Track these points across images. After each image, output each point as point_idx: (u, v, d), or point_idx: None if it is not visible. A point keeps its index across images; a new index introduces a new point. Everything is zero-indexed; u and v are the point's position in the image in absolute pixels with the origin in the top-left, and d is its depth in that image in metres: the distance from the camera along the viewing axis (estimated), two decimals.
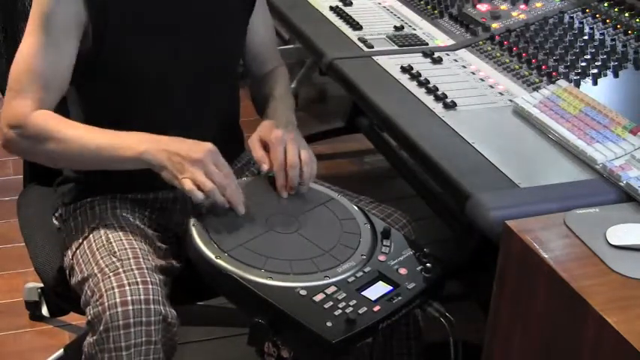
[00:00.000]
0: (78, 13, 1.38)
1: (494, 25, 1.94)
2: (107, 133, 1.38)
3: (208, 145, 1.35)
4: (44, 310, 2.12)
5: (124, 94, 1.46)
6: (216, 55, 1.52)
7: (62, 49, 1.40)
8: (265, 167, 1.43)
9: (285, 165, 1.42)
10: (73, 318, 2.05)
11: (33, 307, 2.13)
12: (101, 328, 1.26)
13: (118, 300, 1.26)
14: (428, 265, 1.32)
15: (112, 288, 1.27)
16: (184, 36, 1.47)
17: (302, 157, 1.44)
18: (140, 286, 1.27)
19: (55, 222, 1.55)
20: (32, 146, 1.40)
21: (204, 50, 1.50)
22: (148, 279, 1.29)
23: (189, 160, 1.32)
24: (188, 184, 1.31)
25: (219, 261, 1.28)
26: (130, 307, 1.25)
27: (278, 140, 1.44)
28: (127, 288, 1.27)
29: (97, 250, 1.37)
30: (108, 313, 1.25)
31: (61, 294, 1.49)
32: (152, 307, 1.27)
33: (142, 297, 1.26)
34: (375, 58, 1.81)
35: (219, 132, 1.58)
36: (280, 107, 1.59)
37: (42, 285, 1.74)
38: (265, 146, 1.45)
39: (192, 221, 1.35)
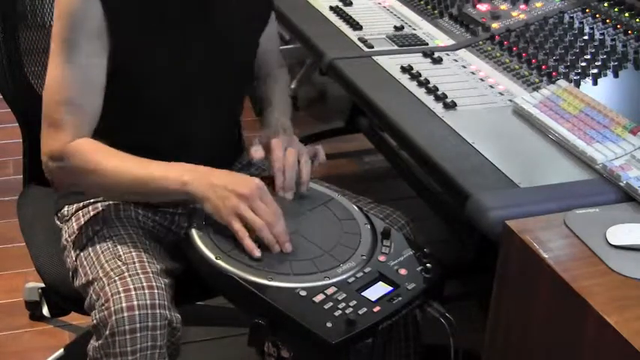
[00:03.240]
0: (101, 34, 1.36)
1: (494, 25, 1.94)
2: (147, 164, 1.35)
3: (255, 181, 1.33)
4: (44, 310, 2.12)
5: (133, 96, 1.45)
6: (230, 62, 1.51)
7: (91, 69, 1.37)
8: (257, 155, 1.44)
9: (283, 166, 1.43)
10: (73, 318, 2.05)
11: (33, 307, 2.13)
12: (107, 332, 1.26)
13: (124, 305, 1.26)
14: (428, 265, 1.32)
15: (118, 292, 1.27)
16: (200, 42, 1.46)
17: (300, 159, 1.45)
18: (146, 291, 1.27)
19: (57, 222, 1.55)
20: (73, 178, 1.40)
21: (219, 56, 1.49)
22: (154, 283, 1.29)
23: (235, 194, 1.30)
24: (236, 224, 1.29)
25: (219, 261, 1.28)
26: (137, 312, 1.25)
27: (278, 144, 1.45)
28: (133, 292, 1.27)
29: (102, 253, 1.37)
30: (114, 317, 1.25)
31: (62, 294, 1.49)
32: (158, 311, 1.27)
33: (148, 302, 1.26)
34: (375, 58, 1.81)
35: (223, 133, 1.58)
36: (275, 114, 1.59)
37: (42, 285, 1.75)
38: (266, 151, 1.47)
39: (192, 222, 1.35)
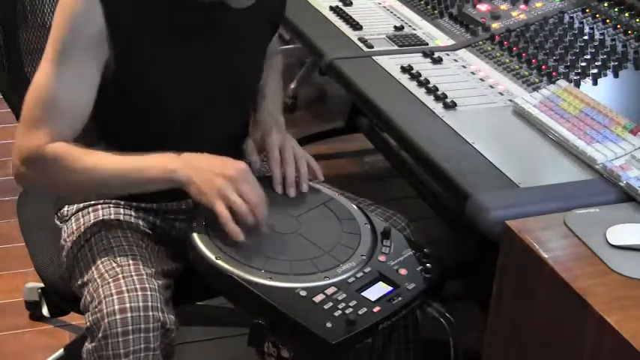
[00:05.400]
0: (100, 42, 1.33)
1: (495, 25, 1.94)
2: (130, 157, 1.34)
3: (241, 163, 1.33)
4: (44, 310, 2.12)
5: (140, 116, 1.43)
6: (239, 77, 1.51)
7: (82, 77, 1.34)
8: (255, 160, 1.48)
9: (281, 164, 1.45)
10: (73, 318, 2.05)
11: (33, 307, 2.13)
12: (100, 335, 1.26)
13: (116, 307, 1.25)
14: (428, 265, 1.32)
15: (111, 294, 1.27)
16: (207, 65, 1.44)
17: (296, 155, 1.48)
18: (139, 293, 1.27)
19: (57, 222, 1.55)
20: (49, 179, 1.37)
21: (228, 73, 1.47)
22: (147, 285, 1.29)
23: (221, 177, 1.30)
24: (220, 206, 1.28)
25: (219, 262, 1.28)
26: (129, 315, 1.25)
27: (273, 143, 1.48)
28: (126, 295, 1.26)
29: (98, 254, 1.37)
30: (106, 320, 1.25)
31: (62, 294, 1.49)
32: (151, 313, 1.26)
33: (141, 304, 1.26)
34: (375, 58, 1.81)
35: (229, 142, 1.55)
36: (268, 108, 1.58)
37: (42, 285, 1.75)
38: (260, 150, 1.51)
39: (192, 222, 1.35)
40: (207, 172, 1.30)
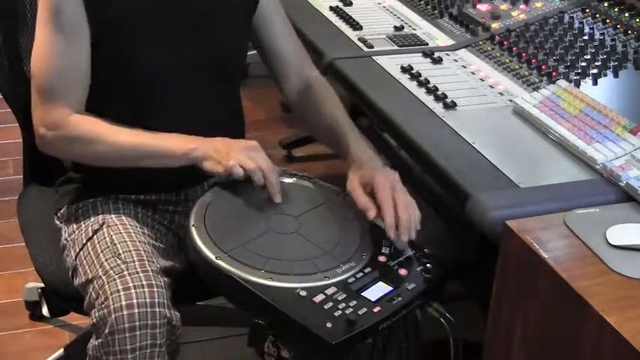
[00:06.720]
0: (81, 7, 1.37)
1: (494, 25, 1.94)
2: (150, 133, 1.40)
3: (253, 142, 1.41)
4: (44, 310, 2.12)
5: (119, 93, 1.45)
6: (216, 56, 1.51)
7: (78, 42, 1.39)
8: (371, 214, 1.35)
9: (395, 208, 1.34)
10: (73, 318, 2.05)
11: (33, 307, 2.13)
12: (106, 330, 1.26)
13: (123, 303, 1.26)
14: (428, 265, 1.32)
15: (118, 291, 1.27)
16: (184, 36, 1.46)
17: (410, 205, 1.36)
18: (146, 289, 1.28)
19: (57, 222, 1.55)
20: (71, 148, 1.43)
21: (204, 50, 1.48)
22: (153, 282, 1.29)
23: (235, 149, 1.37)
24: (232, 162, 1.35)
25: (219, 261, 1.28)
26: (136, 310, 1.25)
27: (384, 184, 1.36)
28: (133, 291, 1.27)
29: (102, 251, 1.37)
30: (113, 315, 1.26)
31: (62, 294, 1.49)
32: (157, 310, 1.27)
33: (148, 300, 1.27)
34: (375, 58, 1.81)
35: (220, 132, 1.57)
36: (359, 144, 1.47)
37: (42, 285, 1.75)
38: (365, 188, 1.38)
39: (192, 221, 1.35)
40: (222, 146, 1.38)
